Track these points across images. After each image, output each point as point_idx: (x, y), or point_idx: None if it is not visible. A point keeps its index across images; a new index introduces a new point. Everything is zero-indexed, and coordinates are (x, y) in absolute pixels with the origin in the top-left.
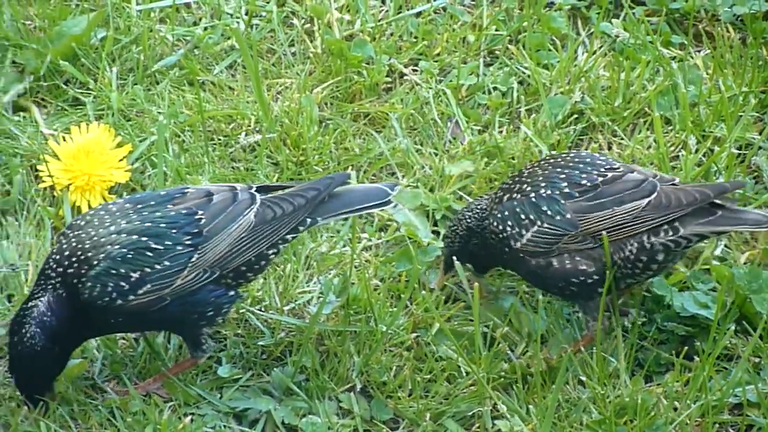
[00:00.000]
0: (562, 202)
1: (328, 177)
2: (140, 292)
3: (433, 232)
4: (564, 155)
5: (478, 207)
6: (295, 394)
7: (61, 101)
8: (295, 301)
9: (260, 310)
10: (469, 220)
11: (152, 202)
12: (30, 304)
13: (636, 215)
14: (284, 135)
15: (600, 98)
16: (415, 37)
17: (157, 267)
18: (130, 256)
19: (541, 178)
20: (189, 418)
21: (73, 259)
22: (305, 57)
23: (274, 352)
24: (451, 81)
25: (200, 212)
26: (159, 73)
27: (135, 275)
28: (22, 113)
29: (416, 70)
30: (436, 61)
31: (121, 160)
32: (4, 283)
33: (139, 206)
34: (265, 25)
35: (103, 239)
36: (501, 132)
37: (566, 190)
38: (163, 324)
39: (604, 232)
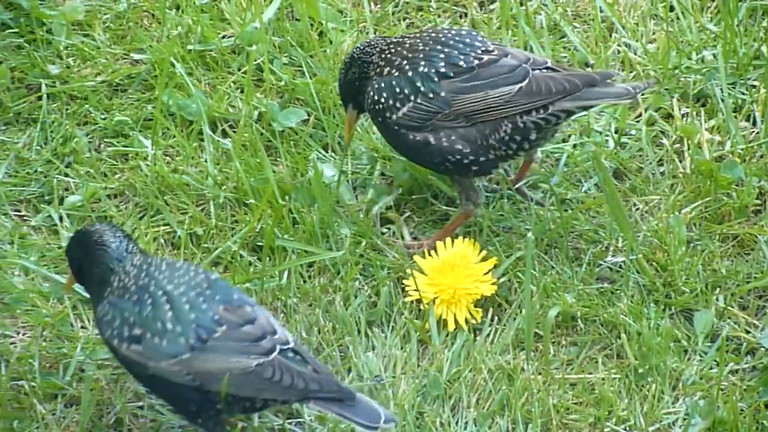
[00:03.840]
0: (437, 80)
1: (339, 386)
2: None
3: None
4: (446, 32)
5: (369, 44)
6: None
7: (429, 215)
8: (660, 421)
9: (624, 429)
10: (355, 51)
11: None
12: None
13: (507, 99)
14: (651, 255)
15: None
16: None
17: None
18: None
19: (421, 55)
20: None
21: None
22: (673, 176)
23: None
24: None
25: (223, 327)
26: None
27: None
28: (389, 226)
29: None
30: None
31: (486, 273)
32: (370, 395)
33: (205, 289)
34: (634, 144)
35: None
36: None
37: (443, 69)
38: None
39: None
